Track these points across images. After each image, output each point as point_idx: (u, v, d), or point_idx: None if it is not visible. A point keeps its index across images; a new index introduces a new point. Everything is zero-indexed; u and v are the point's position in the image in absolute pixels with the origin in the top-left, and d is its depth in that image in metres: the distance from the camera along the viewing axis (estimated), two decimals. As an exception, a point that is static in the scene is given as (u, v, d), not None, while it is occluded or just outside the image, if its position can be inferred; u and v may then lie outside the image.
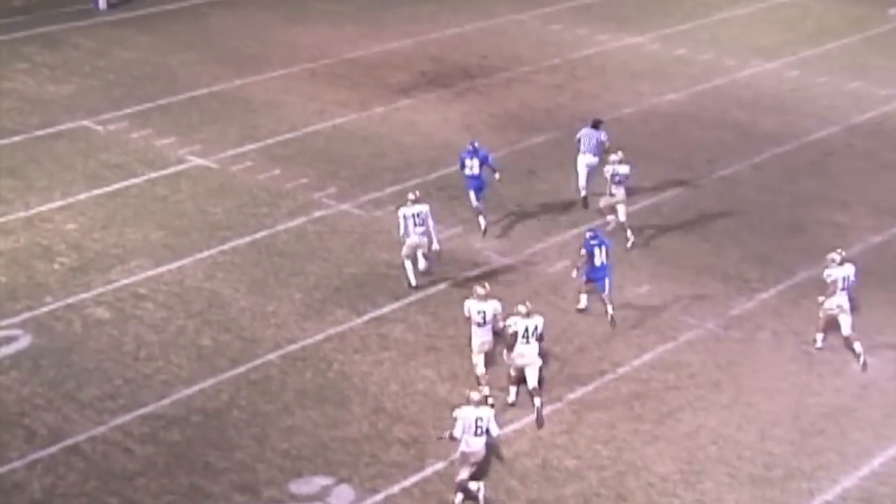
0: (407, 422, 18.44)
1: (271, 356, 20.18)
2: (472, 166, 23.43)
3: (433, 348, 20.34)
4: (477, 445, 16.68)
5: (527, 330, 18.47)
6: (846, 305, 20.04)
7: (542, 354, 18.95)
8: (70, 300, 21.70)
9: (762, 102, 31.30)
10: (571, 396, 19.28)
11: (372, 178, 26.20)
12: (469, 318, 18.86)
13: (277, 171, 26.81)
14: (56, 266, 22.86)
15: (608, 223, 23.61)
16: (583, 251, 20.96)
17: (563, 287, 22.10)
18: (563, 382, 19.57)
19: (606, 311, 20.95)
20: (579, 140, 24.82)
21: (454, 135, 28.41)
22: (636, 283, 22.34)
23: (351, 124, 29.34)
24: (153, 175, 26.60)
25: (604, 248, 20.92)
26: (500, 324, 18.79)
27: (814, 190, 26.42)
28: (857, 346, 20.01)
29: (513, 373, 18.76)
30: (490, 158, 23.66)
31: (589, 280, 21.18)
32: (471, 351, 19.08)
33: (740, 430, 18.54)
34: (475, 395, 16.66)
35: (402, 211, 21.69)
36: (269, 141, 28.48)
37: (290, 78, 32.66)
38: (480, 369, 18.96)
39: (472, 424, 16.50)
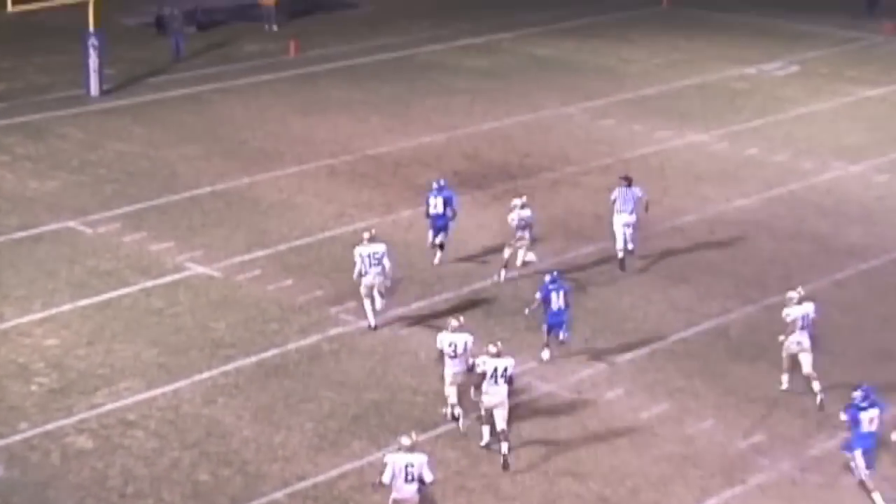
0: (433, 574, 18.36)
1: (278, 494, 20.18)
2: (436, 204, 27.17)
3: (464, 488, 20.29)
4: (408, 492, 18.21)
5: (496, 371, 20.55)
6: (806, 343, 22.52)
7: (511, 396, 20.88)
8: (48, 427, 21.80)
9: (845, 211, 31.42)
10: (624, 547, 19.16)
11: (397, 291, 26.36)
12: (442, 351, 21.34)
13: (289, 282, 27.04)
14: (33, 387, 23.02)
15: (499, 278, 26.74)
16: (538, 295, 23.69)
17: (614, 420, 22.08)
18: (615, 531, 19.47)
19: (547, 344, 23.62)
20: (615, 200, 27.34)
21: (491, 242, 28.62)
22: (699, 416, 22.31)
23: (374, 230, 29.58)
24: (148, 284, 26.88)
25: (561, 293, 23.57)
26: (471, 360, 21.13)
27: (905, 312, 26.40)
28: (816, 385, 22.42)
29: (483, 414, 20.96)
30: (454, 199, 27.43)
31: (549, 328, 23.69)
32: (443, 383, 21.55)
33: (821, 590, 18.33)
34: (406, 441, 18.31)
35: (359, 250, 24.54)
36: (281, 247, 28.77)
37: (306, 176, 33.10)
38: (453, 399, 21.46)
39: (402, 470, 18.14)
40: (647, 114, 38.45)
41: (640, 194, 27.33)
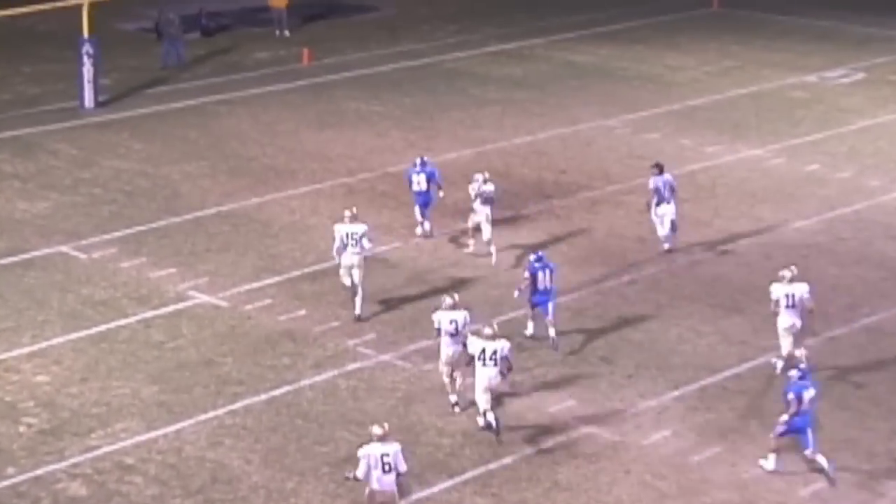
0: None
1: (290, 546, 20.23)
2: (420, 181, 30.00)
3: (496, 540, 20.28)
4: (386, 483, 19.19)
5: (483, 352, 22.20)
6: (798, 324, 24.36)
7: (506, 382, 22.83)
8: (38, 472, 21.84)
9: (916, 233, 31.35)
10: None
11: (421, 321, 26.36)
12: (439, 330, 23.20)
13: (303, 312, 27.10)
14: (22, 428, 23.08)
15: (468, 246, 29.46)
16: (525, 273, 25.57)
17: (661, 464, 22.04)
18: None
19: (549, 336, 25.22)
20: (657, 190, 29.28)
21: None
22: (755, 461, 22.20)
23: (395, 254, 29.68)
24: (147, 315, 26.97)
25: (547, 272, 25.45)
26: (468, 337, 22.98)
27: (984, 345, 26.28)
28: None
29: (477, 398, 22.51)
30: (437, 174, 30.23)
31: (534, 305, 25.63)
32: (439, 361, 23.53)
33: None
34: (377, 430, 19.38)
35: (338, 227, 26.58)
36: (293, 274, 28.83)
37: (321, 195, 33.17)
38: (447, 378, 23.39)
39: (378, 461, 19.14)
40: (696, 126, 38.43)
41: (673, 182, 29.51)
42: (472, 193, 29.28)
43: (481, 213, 29.09)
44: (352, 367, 25.05)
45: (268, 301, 27.56)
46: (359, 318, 26.50)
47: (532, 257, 25.89)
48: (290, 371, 24.89)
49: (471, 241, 29.62)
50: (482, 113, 39.63)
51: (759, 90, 42.09)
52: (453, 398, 23.39)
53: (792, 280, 24.46)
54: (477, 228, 29.34)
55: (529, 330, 25.90)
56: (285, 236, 30.68)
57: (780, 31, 49.30)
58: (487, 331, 22.37)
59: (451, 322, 23.13)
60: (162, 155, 35.97)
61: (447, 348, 23.25)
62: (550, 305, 25.47)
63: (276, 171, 34.81)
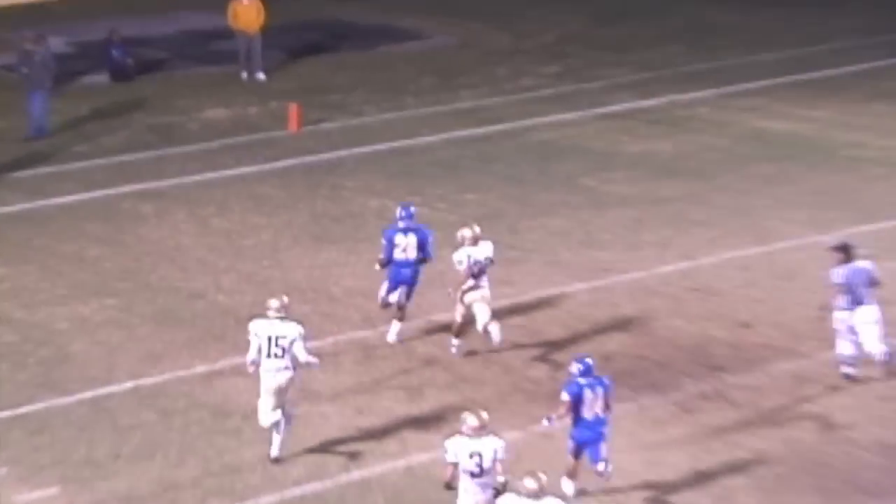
0: None
1: None
2: (407, 246, 32.65)
3: None
4: None
5: None
6: None
7: None
8: None
9: None
10: None
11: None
12: (456, 466, 24.86)
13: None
14: None
15: (455, 345, 32.58)
16: (564, 395, 26.79)
17: None
18: None
19: (573, 474, 27.01)
20: (847, 287, 31.40)
21: (675, 483, 28.24)
22: None
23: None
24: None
25: (599, 391, 26.79)
26: (501, 478, 24.69)
27: None
28: None
29: None
30: (429, 241, 32.77)
31: (578, 446, 26.98)
32: None
33: None
34: None
35: (257, 327, 28.44)
36: (266, 499, 28.53)
37: (322, 364, 32.78)
38: None
39: None
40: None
41: (872, 271, 31.62)
42: (461, 263, 31.69)
43: (474, 288, 31.83)
44: None
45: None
46: (276, 461, 28.55)
47: (574, 369, 26.78)
48: None
49: (455, 341, 32.43)
50: (603, 219, 39.62)
51: None
52: None
53: None
54: (466, 320, 31.99)
55: (569, 489, 27.00)
56: (252, 432, 30.34)
57: None
58: (531, 484, 23.18)
59: (471, 455, 24.63)
60: (38, 287, 36.10)
61: (469, 496, 24.76)
62: (602, 447, 26.82)
63: (236, 317, 34.58)
